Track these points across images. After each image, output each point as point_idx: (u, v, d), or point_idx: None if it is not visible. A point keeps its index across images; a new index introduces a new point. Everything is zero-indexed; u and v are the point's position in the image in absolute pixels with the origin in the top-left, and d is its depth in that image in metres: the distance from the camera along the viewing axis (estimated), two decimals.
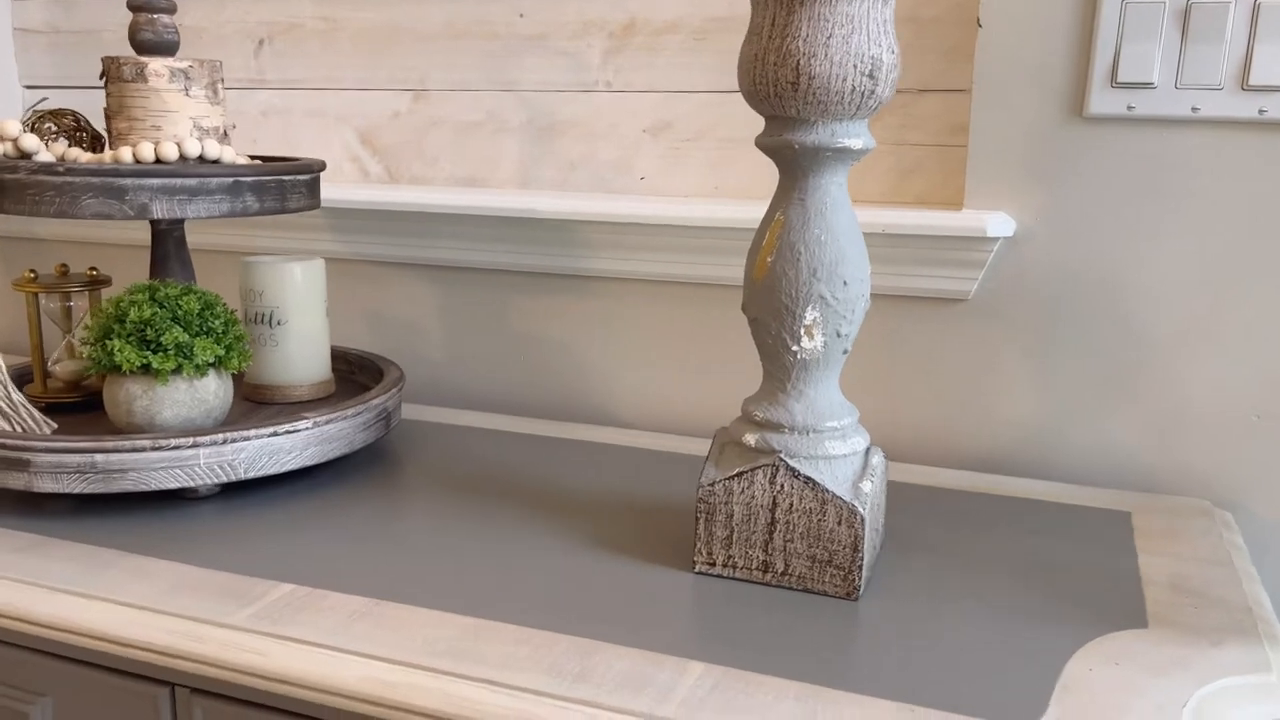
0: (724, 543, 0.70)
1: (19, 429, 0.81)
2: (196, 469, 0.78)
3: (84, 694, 0.68)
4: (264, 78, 1.23)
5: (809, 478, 0.67)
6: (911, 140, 1.01)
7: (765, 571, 0.69)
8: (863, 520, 0.66)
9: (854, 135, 0.65)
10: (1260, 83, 0.82)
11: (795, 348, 0.67)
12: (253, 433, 0.80)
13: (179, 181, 0.79)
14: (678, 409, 1.09)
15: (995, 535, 0.79)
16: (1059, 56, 0.88)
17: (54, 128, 0.83)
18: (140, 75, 0.78)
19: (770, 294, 0.67)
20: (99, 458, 0.76)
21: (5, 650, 0.69)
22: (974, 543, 0.77)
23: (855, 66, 0.62)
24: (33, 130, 0.81)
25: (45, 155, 0.81)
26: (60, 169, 0.77)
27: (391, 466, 0.92)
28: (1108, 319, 0.91)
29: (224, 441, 0.79)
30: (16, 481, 0.77)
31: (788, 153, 0.66)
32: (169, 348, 0.80)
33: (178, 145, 0.79)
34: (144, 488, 0.78)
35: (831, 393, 0.70)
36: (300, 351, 0.95)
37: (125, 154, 0.79)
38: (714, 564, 0.70)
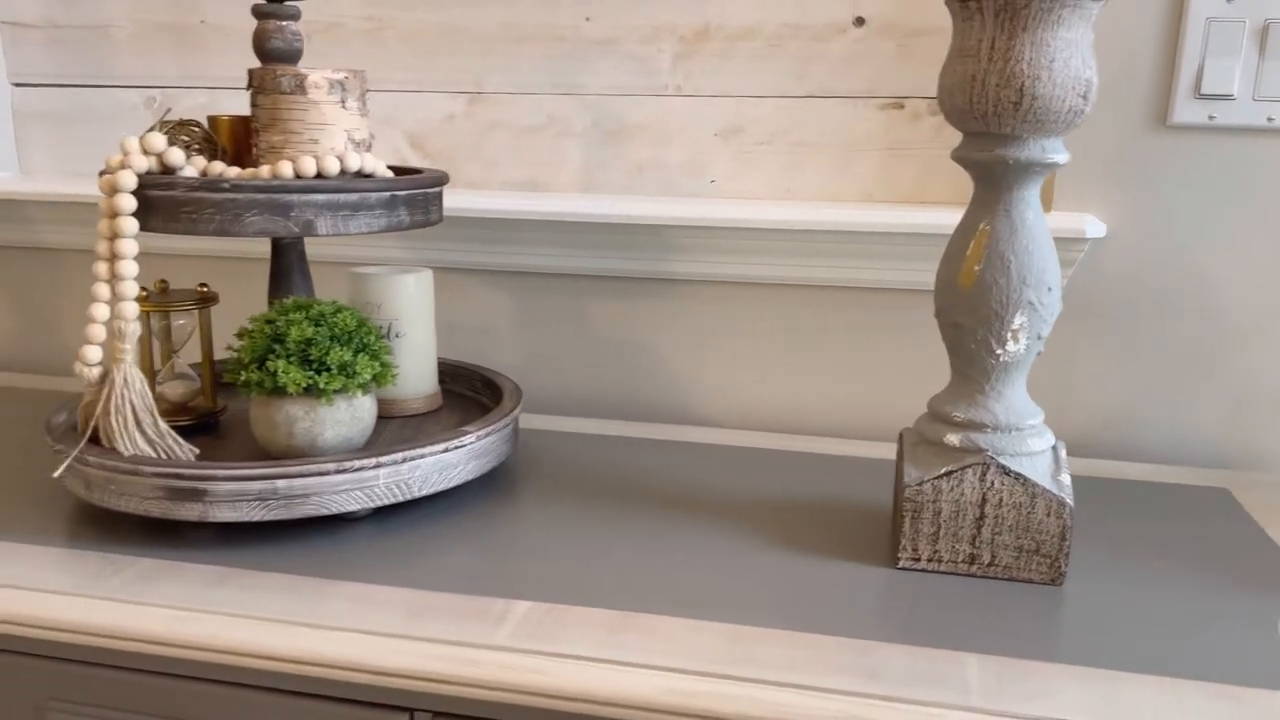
0: (930, 538, 0.73)
1: (164, 456, 0.78)
2: (376, 489, 0.77)
3: None
4: None
5: (1019, 474, 0.71)
6: None
7: (971, 563, 0.73)
8: (1071, 511, 0.71)
9: (1059, 150, 0.69)
10: None
11: (999, 351, 0.72)
12: (428, 450, 0.79)
13: (342, 197, 0.77)
14: (757, 406, 1.12)
15: (1128, 513, 0.85)
16: (1145, 70, 0.95)
17: (186, 139, 0.79)
18: (300, 87, 0.76)
19: (979, 301, 0.71)
20: (281, 483, 0.74)
21: (230, 690, 0.67)
22: (1115, 522, 0.84)
23: (1073, 89, 0.67)
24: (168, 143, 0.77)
25: (190, 170, 0.77)
26: (225, 185, 0.74)
27: (519, 476, 0.91)
28: (1188, 312, 0.99)
29: (403, 460, 0.78)
30: (190, 512, 0.74)
31: (998, 168, 0.70)
32: (332, 367, 0.78)
33: (339, 160, 0.77)
34: (324, 511, 0.76)
35: (1023, 393, 0.74)
36: (415, 364, 0.94)
37: (285, 169, 0.76)
38: (919, 559, 0.74)
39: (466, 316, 1.17)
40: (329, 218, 0.77)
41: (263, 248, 1.10)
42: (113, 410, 0.76)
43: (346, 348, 0.79)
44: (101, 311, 0.76)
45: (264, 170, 0.77)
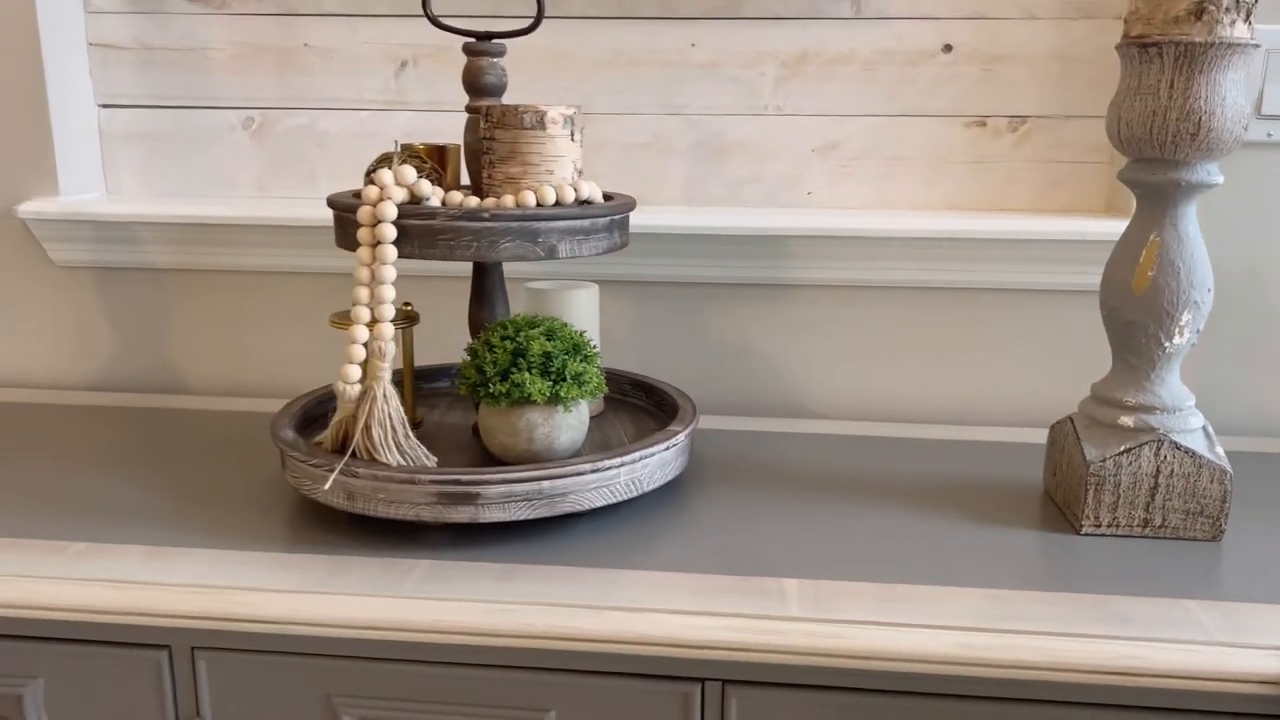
0: (1110, 507, 0.85)
1: (412, 463, 0.84)
2: (617, 486, 0.85)
3: (597, 700, 0.74)
4: (405, 99, 1.25)
5: (1189, 449, 0.84)
6: (1058, 158, 1.19)
7: (1144, 526, 0.86)
8: (1231, 478, 0.84)
9: (1218, 174, 0.82)
10: None
11: (1167, 344, 0.84)
12: (655, 449, 0.87)
13: (577, 223, 0.85)
14: (861, 399, 1.23)
15: (1260, 479, 0.99)
16: None
17: (418, 167, 0.85)
18: (540, 123, 0.83)
19: (1152, 302, 0.83)
20: (545, 484, 0.81)
21: (515, 674, 0.74)
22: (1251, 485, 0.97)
23: (1238, 121, 0.79)
24: (395, 169, 0.83)
25: (435, 200, 0.84)
26: (485, 215, 0.81)
27: (690, 473, 1.00)
28: (1252, 306, 1.13)
29: (638, 460, 0.86)
30: (462, 515, 0.81)
31: (1169, 188, 0.82)
32: (568, 377, 0.85)
33: (574, 189, 0.84)
34: (578, 508, 0.83)
35: (1178, 379, 0.87)
36: None
37: (529, 198, 0.83)
38: (1099, 525, 0.86)
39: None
40: (568, 242, 0.84)
41: (441, 266, 1.17)
42: (375, 424, 0.82)
43: (577, 359, 0.86)
44: (362, 333, 0.82)
45: (507, 199, 0.83)
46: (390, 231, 0.80)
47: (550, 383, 0.85)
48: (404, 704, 0.77)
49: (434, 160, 0.91)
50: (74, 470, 0.99)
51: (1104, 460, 0.85)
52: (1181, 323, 0.83)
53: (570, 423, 0.87)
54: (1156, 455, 0.84)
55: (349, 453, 0.82)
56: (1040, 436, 1.11)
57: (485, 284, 0.94)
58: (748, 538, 0.85)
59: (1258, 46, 0.79)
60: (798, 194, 1.23)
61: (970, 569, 0.80)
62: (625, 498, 0.86)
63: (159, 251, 1.26)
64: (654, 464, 0.87)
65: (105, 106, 1.29)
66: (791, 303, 1.21)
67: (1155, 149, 0.81)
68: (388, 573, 0.79)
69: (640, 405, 1.07)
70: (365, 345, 0.82)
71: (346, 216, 0.85)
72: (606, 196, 0.92)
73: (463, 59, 0.90)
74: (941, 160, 1.21)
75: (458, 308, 1.06)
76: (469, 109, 0.91)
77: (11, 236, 1.26)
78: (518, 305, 1.02)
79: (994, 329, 1.20)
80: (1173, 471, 0.84)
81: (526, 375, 0.84)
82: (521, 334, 0.86)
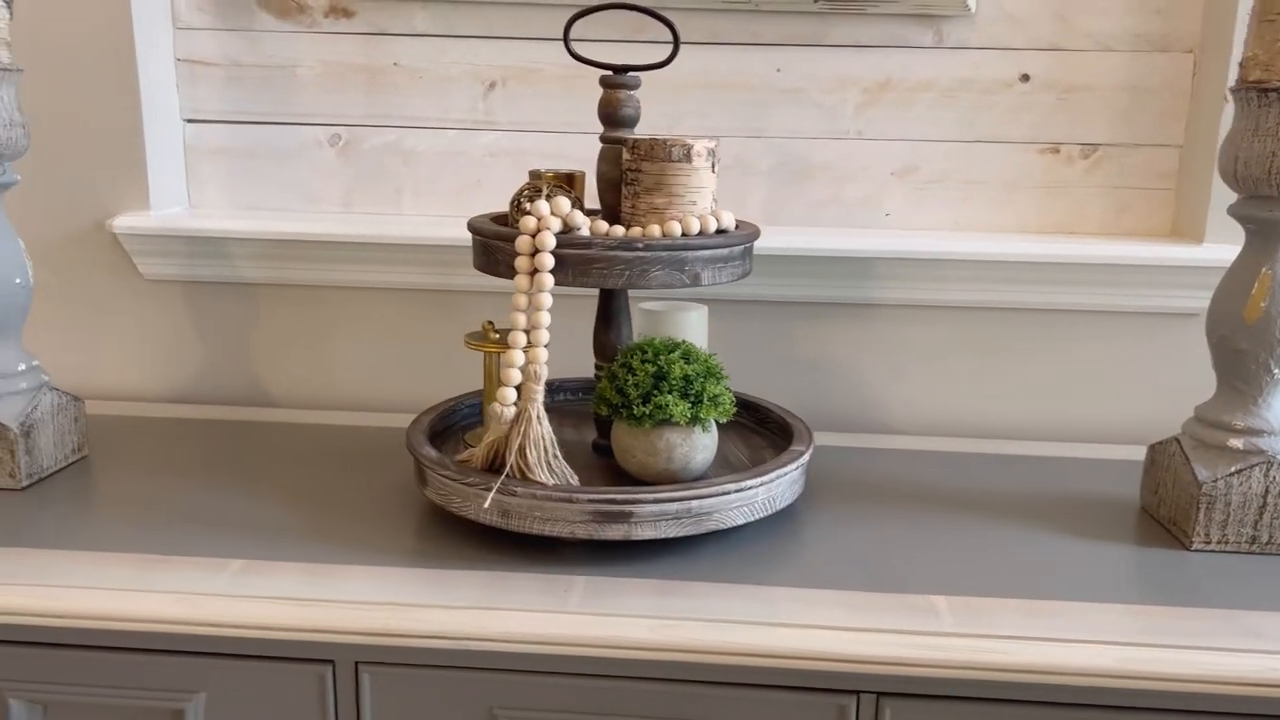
0: (1220, 525, 0.90)
1: (562, 482, 0.87)
2: (755, 504, 0.88)
3: (756, 712, 0.78)
4: (493, 119, 1.27)
5: None
6: (1127, 184, 1.25)
7: (1252, 543, 0.90)
8: None
9: None
10: None
11: (1276, 371, 0.89)
12: (788, 469, 0.90)
13: (719, 251, 0.88)
14: (942, 415, 1.27)
15: None
16: None
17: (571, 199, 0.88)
18: (686, 156, 0.86)
19: (1265, 331, 0.88)
20: (694, 503, 0.85)
21: (676, 686, 0.77)
22: None
23: None
24: (548, 199, 0.86)
25: (586, 230, 0.87)
26: (639, 245, 0.84)
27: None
28: None
29: (773, 480, 0.89)
30: (615, 532, 0.84)
31: None
32: (706, 399, 0.89)
33: (715, 218, 0.88)
34: (721, 526, 0.87)
35: None
36: None
37: (675, 228, 0.86)
38: (1209, 542, 0.91)
39: None
40: (711, 269, 0.88)
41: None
42: (530, 445, 0.85)
43: (713, 381, 0.90)
44: (518, 357, 0.85)
45: (654, 229, 0.86)
46: (549, 261, 0.83)
47: (690, 404, 0.88)
48: (566, 715, 0.79)
49: (566, 187, 0.94)
50: (204, 485, 1.01)
51: (1215, 480, 0.89)
52: None
53: (705, 443, 0.90)
54: (1266, 476, 0.89)
55: (505, 473, 0.85)
56: (1114, 451, 1.16)
57: (612, 308, 0.97)
58: (884, 554, 0.89)
59: None
60: (876, 215, 1.27)
61: (1100, 584, 0.84)
62: (761, 515, 0.90)
63: (247, 266, 1.28)
64: (785, 483, 0.91)
65: (190, 121, 1.30)
66: (871, 320, 1.25)
67: (1271, 188, 0.86)
68: (549, 588, 0.82)
69: (745, 424, 1.10)
70: (521, 369, 0.85)
71: (496, 244, 0.88)
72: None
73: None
74: (1015, 185, 1.25)
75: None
76: (604, 139, 0.94)
77: (102, 250, 1.27)
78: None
79: (1064, 349, 1.24)
80: None
81: (669, 398, 0.87)
82: (661, 357, 0.89)
